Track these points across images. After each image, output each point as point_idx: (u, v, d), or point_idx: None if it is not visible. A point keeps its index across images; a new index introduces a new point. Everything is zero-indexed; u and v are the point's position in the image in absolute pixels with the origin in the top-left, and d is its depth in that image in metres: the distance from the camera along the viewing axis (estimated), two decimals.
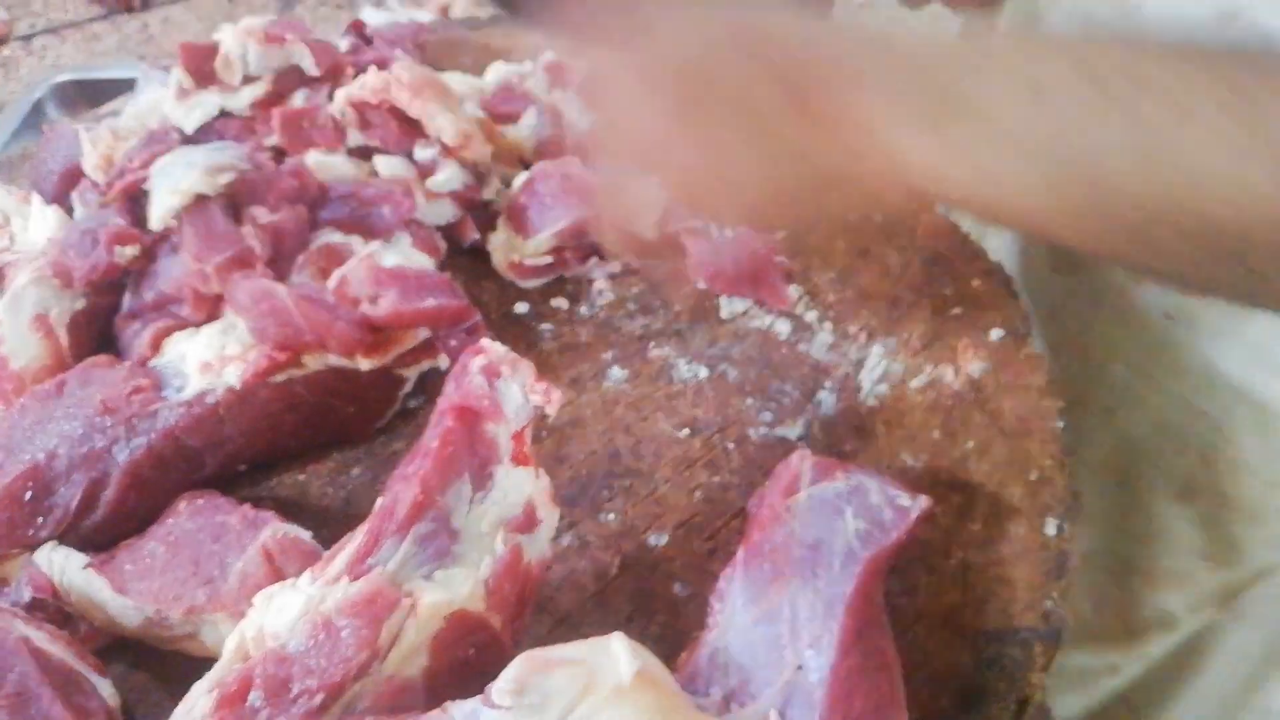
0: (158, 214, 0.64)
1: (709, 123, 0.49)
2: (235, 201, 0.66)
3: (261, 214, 0.66)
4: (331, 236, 0.69)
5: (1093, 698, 0.98)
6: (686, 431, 0.63)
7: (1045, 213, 0.44)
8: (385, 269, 0.64)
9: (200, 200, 0.65)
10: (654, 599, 0.55)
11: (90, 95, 1.18)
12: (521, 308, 0.72)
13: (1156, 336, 0.72)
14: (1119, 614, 0.89)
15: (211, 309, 0.65)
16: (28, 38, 1.32)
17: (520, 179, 0.76)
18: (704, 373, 0.67)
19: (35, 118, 1.16)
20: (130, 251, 0.65)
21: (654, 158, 0.52)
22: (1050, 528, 0.57)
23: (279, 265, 0.66)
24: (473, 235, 0.75)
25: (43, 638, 0.50)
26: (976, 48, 0.47)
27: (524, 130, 0.80)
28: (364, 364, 0.62)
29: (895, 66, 0.46)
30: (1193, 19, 0.60)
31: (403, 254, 0.68)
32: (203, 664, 0.46)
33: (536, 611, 0.54)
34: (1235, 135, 0.38)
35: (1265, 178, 0.37)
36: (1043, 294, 0.79)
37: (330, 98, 0.77)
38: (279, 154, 0.74)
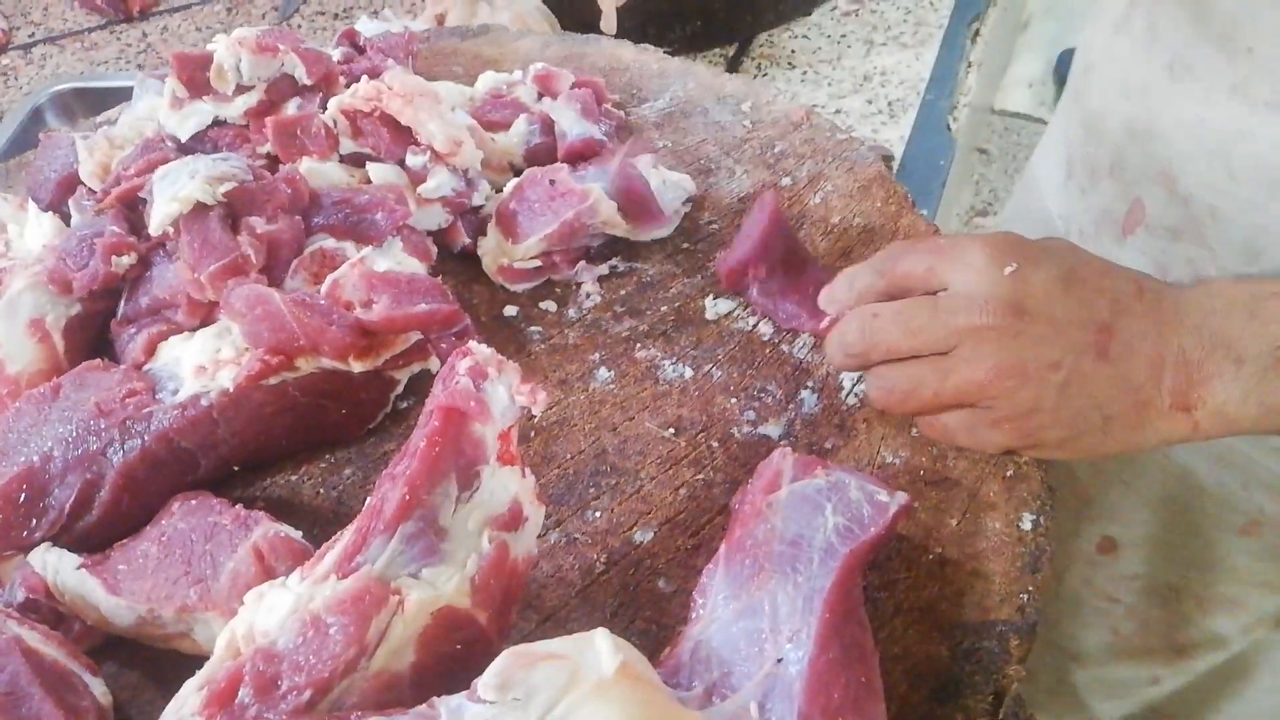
0: (157, 220, 0.65)
1: (1027, 344, 0.54)
2: (233, 211, 0.67)
3: (258, 223, 0.67)
4: (325, 242, 0.70)
5: (1130, 703, 0.98)
6: (672, 431, 0.64)
7: None
8: (378, 274, 0.65)
9: (199, 208, 0.66)
10: (639, 595, 0.56)
11: (89, 104, 1.19)
12: (511, 311, 0.73)
13: None
14: (1164, 634, 0.89)
15: (205, 315, 0.66)
16: (27, 46, 1.32)
17: (510, 185, 0.77)
18: (689, 373, 0.68)
19: (34, 126, 1.16)
20: (127, 261, 0.66)
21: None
22: (1026, 523, 0.58)
23: (273, 273, 0.67)
24: (463, 240, 0.76)
25: (35, 638, 0.51)
26: (1252, 294, 0.55)
27: (514, 138, 0.81)
28: (356, 367, 0.62)
29: (1197, 322, 0.54)
30: None
31: (395, 259, 0.69)
32: (194, 662, 0.47)
33: (524, 608, 0.54)
34: None
35: None
36: None
37: (323, 106, 0.78)
38: (273, 162, 0.75)
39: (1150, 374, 0.54)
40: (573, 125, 0.80)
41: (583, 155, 0.79)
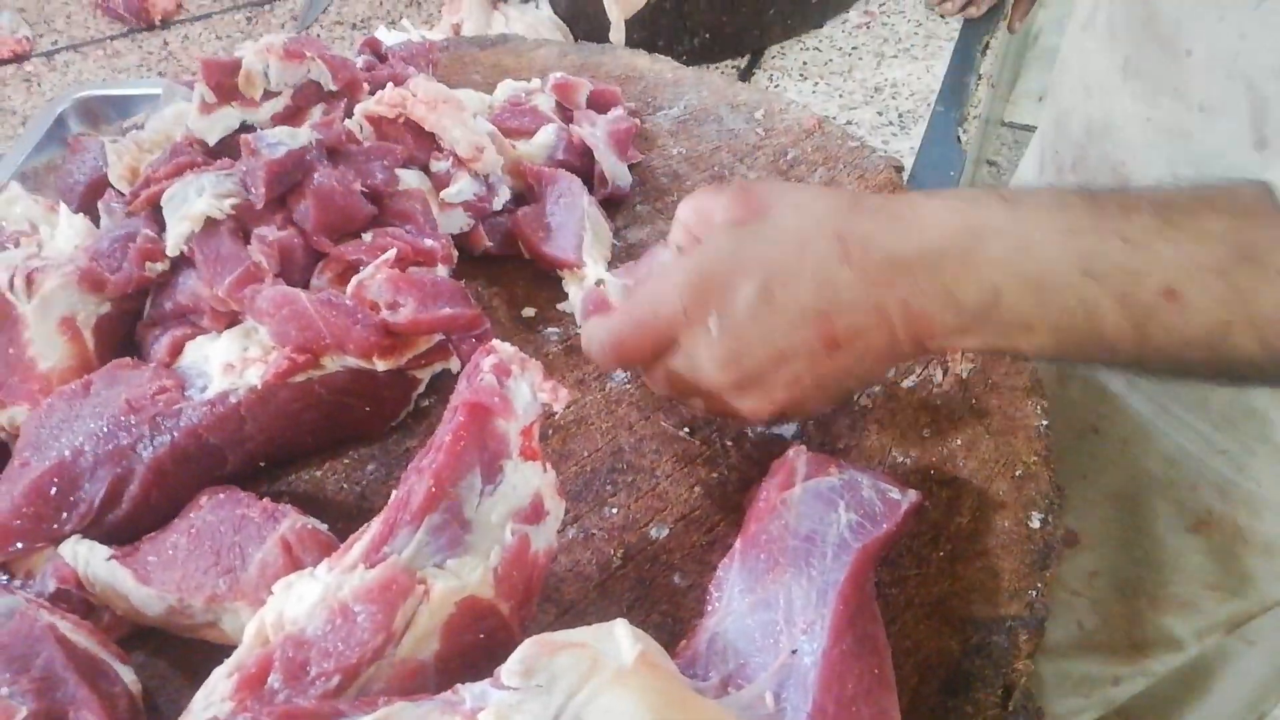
0: (173, 240, 0.67)
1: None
2: (243, 225, 0.69)
3: (269, 232, 0.68)
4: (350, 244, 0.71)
5: (1093, 703, 0.99)
6: (687, 430, 0.65)
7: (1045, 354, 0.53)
8: (402, 276, 0.66)
9: (210, 224, 0.67)
10: (655, 589, 0.57)
11: (111, 110, 1.21)
12: (529, 312, 0.74)
13: None
14: (1124, 631, 0.90)
15: (229, 322, 0.67)
16: (50, 54, 1.35)
17: None
18: None
19: (58, 132, 1.18)
20: (160, 266, 0.68)
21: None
22: (1035, 521, 0.59)
23: (289, 278, 0.68)
24: (484, 244, 0.77)
25: (67, 626, 0.51)
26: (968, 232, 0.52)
27: (539, 148, 0.82)
28: (380, 365, 0.64)
29: (933, 271, 0.51)
30: None
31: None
32: (222, 651, 0.48)
33: (543, 600, 0.55)
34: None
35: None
36: None
37: (348, 112, 0.79)
38: None
39: (885, 336, 0.53)
40: (614, 169, 0.82)
41: (613, 198, 0.81)
